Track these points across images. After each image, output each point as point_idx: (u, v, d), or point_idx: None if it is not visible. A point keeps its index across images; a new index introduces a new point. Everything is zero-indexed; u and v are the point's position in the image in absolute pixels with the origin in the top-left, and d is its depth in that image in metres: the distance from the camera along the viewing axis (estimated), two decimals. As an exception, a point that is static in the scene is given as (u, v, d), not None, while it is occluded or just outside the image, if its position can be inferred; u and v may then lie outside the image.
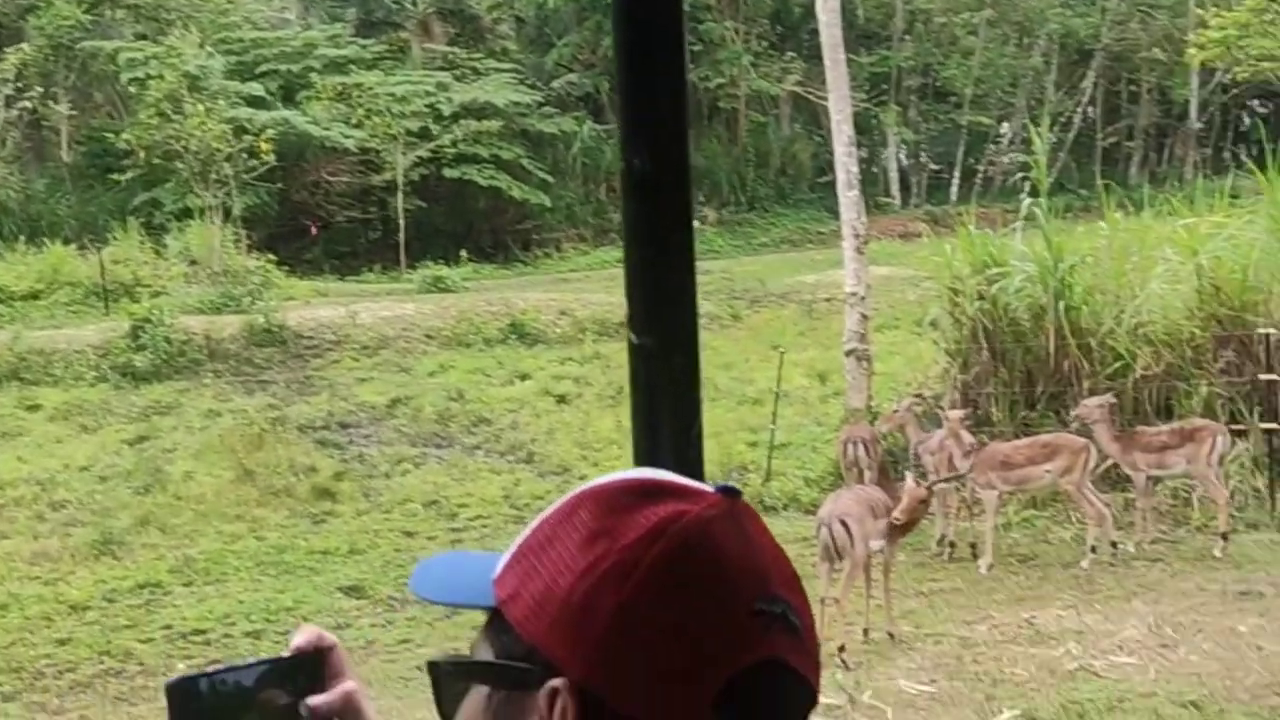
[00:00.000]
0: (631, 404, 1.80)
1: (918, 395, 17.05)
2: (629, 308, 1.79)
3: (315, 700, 1.38)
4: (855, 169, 20.21)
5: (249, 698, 1.36)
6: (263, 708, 1.37)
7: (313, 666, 1.41)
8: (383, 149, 38.55)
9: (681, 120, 1.83)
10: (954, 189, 46.99)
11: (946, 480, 14.01)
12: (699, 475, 1.57)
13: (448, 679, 1.28)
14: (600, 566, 1.16)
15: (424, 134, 39.54)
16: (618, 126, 1.88)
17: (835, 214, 23.81)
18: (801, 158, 47.47)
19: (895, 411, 15.81)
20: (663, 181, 1.81)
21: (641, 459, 1.74)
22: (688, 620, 1.14)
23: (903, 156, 49.75)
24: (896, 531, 12.22)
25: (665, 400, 1.77)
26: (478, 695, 1.23)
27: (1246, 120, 49.78)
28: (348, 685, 1.41)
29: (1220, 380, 16.01)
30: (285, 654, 1.41)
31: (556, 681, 1.15)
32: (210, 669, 1.35)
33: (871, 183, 42.43)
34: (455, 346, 24.95)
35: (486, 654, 1.23)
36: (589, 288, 29.40)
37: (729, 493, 1.21)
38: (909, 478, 12.65)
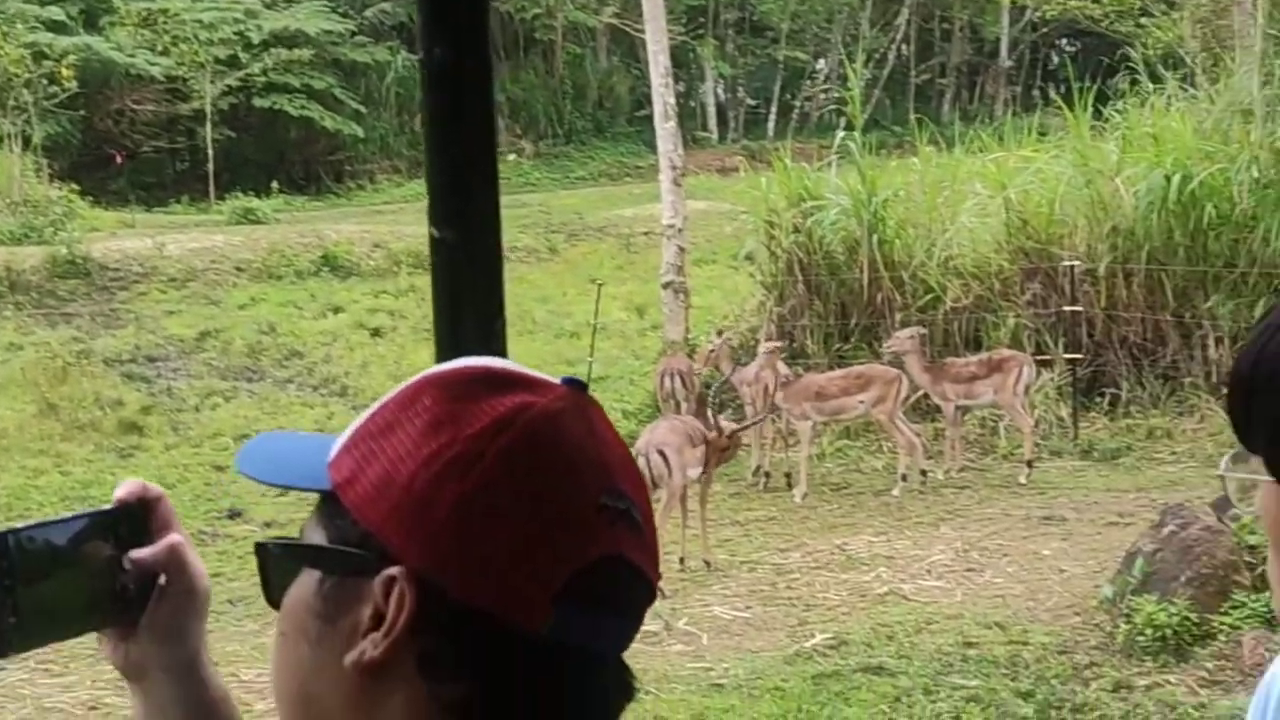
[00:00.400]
0: (434, 299, 1.74)
1: (719, 331, 17.10)
2: (430, 200, 1.72)
3: (139, 554, 1.34)
4: (672, 102, 20.22)
5: (65, 554, 1.29)
6: (85, 562, 1.31)
7: (137, 519, 1.36)
8: (190, 77, 37.47)
9: (482, 7, 1.76)
10: (771, 124, 47.24)
11: (750, 425, 14.09)
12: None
13: (276, 562, 1.23)
14: (444, 455, 1.13)
15: (233, 62, 38.55)
16: (416, 16, 1.80)
17: (653, 148, 23.79)
18: (619, 91, 47.32)
19: (710, 351, 15.75)
20: (464, 71, 1.74)
21: (444, 354, 1.67)
22: (533, 512, 1.12)
23: (720, 91, 49.89)
24: (712, 461, 12.32)
25: (468, 293, 1.71)
26: (308, 579, 1.19)
27: (1055, 59, 50.88)
28: (174, 538, 1.36)
29: (1027, 312, 16.38)
30: (108, 506, 1.35)
31: (394, 569, 1.12)
32: (21, 525, 1.28)
33: (689, 117, 42.49)
34: (266, 279, 24.48)
35: (318, 538, 1.19)
36: (403, 219, 28.99)
37: (576, 385, 1.18)
38: (712, 419, 12.66)
